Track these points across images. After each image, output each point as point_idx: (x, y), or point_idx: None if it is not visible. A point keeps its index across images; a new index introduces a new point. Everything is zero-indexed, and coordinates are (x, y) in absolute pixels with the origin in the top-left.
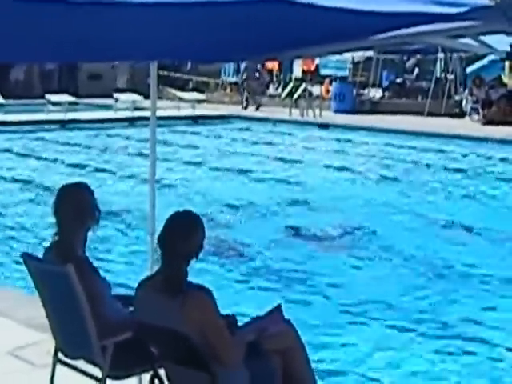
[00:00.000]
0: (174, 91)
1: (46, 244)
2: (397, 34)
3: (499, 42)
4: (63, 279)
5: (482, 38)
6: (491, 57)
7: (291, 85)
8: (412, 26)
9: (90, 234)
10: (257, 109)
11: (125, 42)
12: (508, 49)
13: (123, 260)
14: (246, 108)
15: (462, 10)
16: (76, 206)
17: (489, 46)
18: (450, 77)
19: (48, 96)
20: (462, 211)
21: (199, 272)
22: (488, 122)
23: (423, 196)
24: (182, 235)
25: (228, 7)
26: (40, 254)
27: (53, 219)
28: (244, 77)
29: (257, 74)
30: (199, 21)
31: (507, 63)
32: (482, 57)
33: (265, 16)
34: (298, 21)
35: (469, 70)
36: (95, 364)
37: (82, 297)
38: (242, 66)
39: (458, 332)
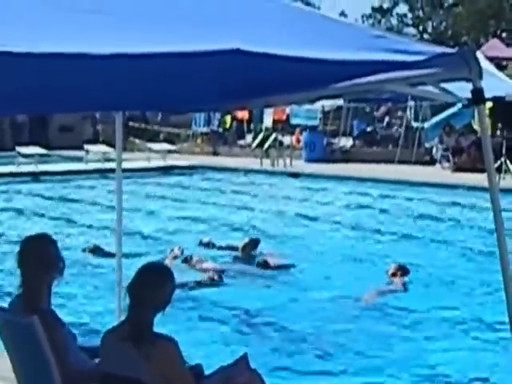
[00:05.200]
0: (144, 142)
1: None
2: (358, 82)
3: (461, 89)
4: (28, 331)
5: (444, 85)
6: (461, 104)
7: (262, 134)
8: (373, 74)
9: (55, 284)
10: None
11: (89, 93)
12: (470, 96)
13: (91, 310)
14: None
15: (423, 57)
16: (40, 258)
17: (451, 94)
18: (420, 125)
19: (19, 148)
20: (432, 258)
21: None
22: (458, 169)
23: (394, 243)
24: (153, 286)
25: (193, 58)
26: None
27: (18, 271)
28: None
29: None
30: (165, 71)
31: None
32: (453, 104)
33: (224, 66)
34: (258, 70)
35: (439, 117)
36: None
37: (47, 348)
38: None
39: None
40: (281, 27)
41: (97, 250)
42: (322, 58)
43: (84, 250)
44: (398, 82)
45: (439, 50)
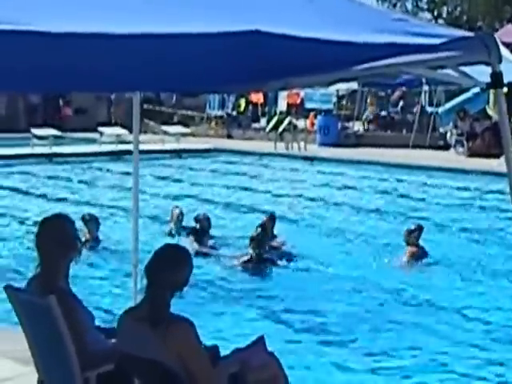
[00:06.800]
0: (158, 125)
1: (30, 277)
2: (378, 65)
3: (480, 73)
4: (46, 311)
5: (463, 68)
6: (475, 89)
7: (276, 118)
8: (393, 57)
9: (73, 265)
10: None
11: (106, 73)
12: (488, 79)
13: (107, 292)
14: None
15: (442, 40)
16: (57, 238)
17: (469, 77)
18: (435, 110)
19: (33, 130)
20: (446, 244)
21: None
22: (472, 154)
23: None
24: (171, 267)
25: (207, 39)
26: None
27: (35, 251)
28: None
29: None
30: (180, 52)
31: (491, 96)
32: (467, 89)
33: (243, 47)
34: (277, 52)
35: (453, 102)
36: None
37: (65, 328)
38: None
39: None
40: (301, 9)
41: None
42: (342, 40)
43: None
44: (418, 65)
45: (459, 33)
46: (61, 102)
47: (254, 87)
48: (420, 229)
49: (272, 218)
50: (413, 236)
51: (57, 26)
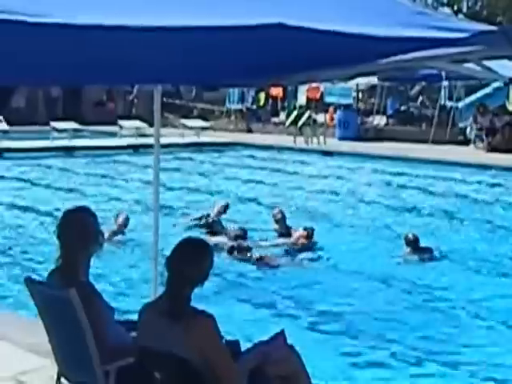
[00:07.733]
0: (178, 118)
1: (50, 269)
2: (400, 59)
3: (503, 67)
4: (66, 304)
5: (486, 63)
6: (495, 84)
7: (296, 112)
8: (415, 51)
9: (93, 258)
10: None
11: (128, 65)
12: (511, 74)
13: (127, 285)
14: None
15: (465, 35)
16: (79, 231)
17: (492, 71)
18: (455, 104)
19: (53, 123)
20: (465, 238)
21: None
22: (492, 149)
23: (426, 223)
24: (192, 260)
25: (230, 32)
26: (43, 279)
27: (56, 244)
28: None
29: None
30: (201, 45)
31: (511, 91)
32: (486, 84)
33: (266, 40)
34: (300, 45)
35: (473, 97)
36: None
37: (85, 321)
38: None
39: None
40: (324, 3)
41: None
42: (366, 33)
43: None
44: (441, 59)
45: (482, 27)
46: (104, 98)
47: (276, 81)
48: (416, 240)
49: (280, 211)
50: (411, 243)
51: (79, 18)
